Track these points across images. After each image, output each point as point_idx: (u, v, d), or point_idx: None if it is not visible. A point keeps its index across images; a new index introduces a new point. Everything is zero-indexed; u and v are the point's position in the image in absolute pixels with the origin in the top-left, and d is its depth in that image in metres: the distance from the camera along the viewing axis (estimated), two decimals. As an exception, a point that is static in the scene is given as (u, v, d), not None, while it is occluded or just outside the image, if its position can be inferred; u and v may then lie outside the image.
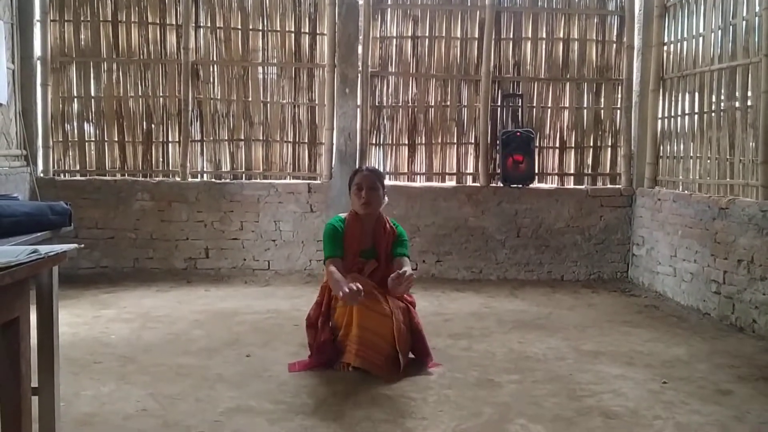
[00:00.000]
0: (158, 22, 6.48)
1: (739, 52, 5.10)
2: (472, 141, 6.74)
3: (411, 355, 3.93)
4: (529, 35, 6.69)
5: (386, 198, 4.14)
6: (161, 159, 6.59)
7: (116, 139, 6.53)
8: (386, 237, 4.04)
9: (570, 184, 6.81)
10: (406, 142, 6.73)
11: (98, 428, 2.96)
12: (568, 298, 5.81)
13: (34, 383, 2.42)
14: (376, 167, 4.37)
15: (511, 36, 6.70)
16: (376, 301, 3.77)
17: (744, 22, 5.03)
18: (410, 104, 6.71)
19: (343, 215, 4.11)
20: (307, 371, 3.75)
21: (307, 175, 6.65)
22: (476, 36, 6.66)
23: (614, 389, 3.56)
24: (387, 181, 6.52)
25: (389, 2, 6.63)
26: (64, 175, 6.48)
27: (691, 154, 5.81)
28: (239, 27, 6.55)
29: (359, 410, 3.21)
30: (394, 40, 6.67)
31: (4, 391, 2.14)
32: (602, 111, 6.79)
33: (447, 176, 6.76)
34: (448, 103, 6.72)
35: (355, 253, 3.99)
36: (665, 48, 6.29)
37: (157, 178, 6.49)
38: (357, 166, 5.58)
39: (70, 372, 3.59)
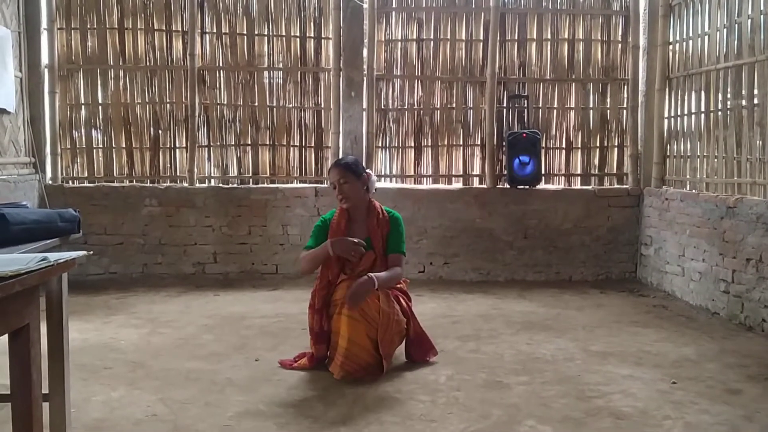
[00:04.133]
0: (164, 28, 6.51)
1: (745, 50, 5.08)
2: (478, 143, 6.74)
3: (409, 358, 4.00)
4: (534, 36, 6.69)
5: (373, 180, 4.05)
6: (169, 165, 6.62)
7: (124, 146, 6.57)
8: (380, 227, 3.96)
9: (577, 184, 6.80)
10: (412, 144, 6.74)
11: (109, 433, 2.98)
12: (577, 299, 5.80)
13: (45, 389, 2.44)
14: (348, 158, 4.17)
15: (516, 37, 6.70)
16: (366, 307, 3.71)
17: (749, 21, 5.02)
18: (416, 107, 6.72)
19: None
20: (313, 371, 3.76)
21: (314, 178, 6.67)
22: (481, 38, 6.66)
23: (623, 390, 3.55)
24: (393, 184, 6.63)
25: (394, 5, 6.65)
26: (73, 182, 6.52)
27: (698, 153, 5.79)
28: (245, 32, 6.58)
29: (368, 413, 3.22)
30: (399, 43, 6.68)
31: (16, 397, 2.15)
32: (608, 111, 6.78)
33: (453, 178, 6.77)
34: (454, 105, 6.72)
35: None
36: (671, 47, 6.28)
37: (165, 184, 6.52)
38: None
39: (81, 378, 3.61)
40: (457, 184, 6.74)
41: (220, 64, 6.60)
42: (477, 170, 6.76)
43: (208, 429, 3.02)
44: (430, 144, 6.74)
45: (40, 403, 2.21)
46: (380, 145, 6.70)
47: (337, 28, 6.52)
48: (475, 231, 6.53)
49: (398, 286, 4.03)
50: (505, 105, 6.73)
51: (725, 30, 5.37)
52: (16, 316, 2.04)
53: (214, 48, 6.60)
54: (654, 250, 6.26)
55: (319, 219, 4.09)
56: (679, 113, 6.15)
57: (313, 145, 6.69)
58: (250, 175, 6.66)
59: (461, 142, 6.75)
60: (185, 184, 6.52)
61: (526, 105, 6.70)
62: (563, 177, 6.81)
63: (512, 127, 6.70)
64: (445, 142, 6.74)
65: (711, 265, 5.29)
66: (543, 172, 6.59)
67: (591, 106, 6.78)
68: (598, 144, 6.80)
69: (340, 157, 5.16)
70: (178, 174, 6.61)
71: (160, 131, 6.59)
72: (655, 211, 6.28)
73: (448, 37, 6.66)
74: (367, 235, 3.95)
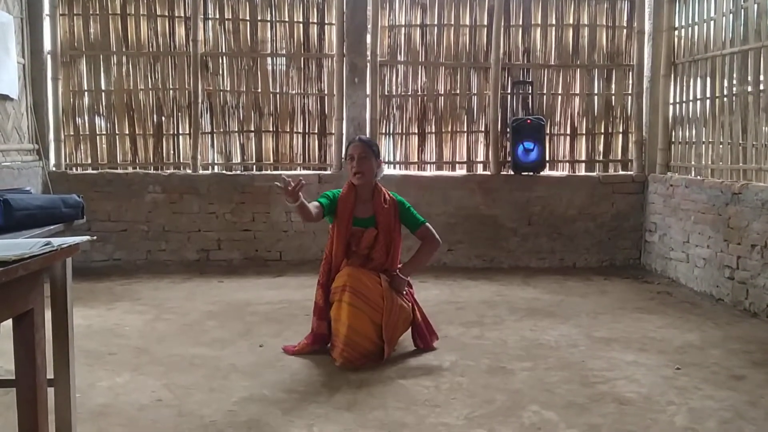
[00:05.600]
0: (167, 14, 6.48)
1: (751, 35, 5.05)
2: (483, 129, 6.72)
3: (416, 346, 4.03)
4: (539, 21, 6.65)
5: (383, 168, 4.16)
6: (172, 151, 6.61)
7: (127, 132, 6.56)
8: (387, 209, 4.04)
9: (581, 171, 6.78)
10: (416, 131, 6.72)
11: (113, 419, 2.99)
12: (581, 286, 5.79)
13: (50, 375, 2.44)
14: (369, 137, 4.33)
15: (521, 23, 6.66)
16: (368, 293, 3.78)
17: (756, 5, 4.98)
18: (420, 93, 6.69)
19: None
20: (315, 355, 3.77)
21: (318, 165, 6.66)
22: (485, 23, 6.62)
23: (627, 375, 3.56)
24: (397, 171, 6.62)
25: (397, -9, 6.61)
26: (76, 169, 6.51)
27: (704, 140, 5.77)
28: (248, 18, 6.54)
29: (372, 398, 3.23)
30: (403, 28, 6.64)
31: (21, 382, 2.16)
32: (613, 97, 6.75)
33: (457, 165, 6.75)
34: (458, 91, 6.69)
35: (348, 220, 3.97)
36: (676, 33, 6.24)
37: (169, 171, 6.51)
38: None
39: (85, 363, 3.62)
40: (461, 171, 6.72)
41: (223, 50, 6.57)
42: (481, 157, 6.75)
43: (212, 414, 3.03)
44: (434, 130, 6.71)
45: (45, 388, 2.22)
46: (384, 131, 6.68)
47: (340, 14, 6.48)
48: (479, 218, 6.52)
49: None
50: (509, 91, 6.71)
51: (731, 15, 5.34)
52: (20, 301, 2.04)
53: (216, 34, 6.57)
54: (658, 237, 6.25)
55: (327, 191, 4.12)
56: (684, 99, 6.11)
57: (316, 131, 6.67)
58: (254, 161, 6.64)
59: (465, 129, 6.73)
60: (188, 171, 6.51)
61: (530, 91, 6.67)
62: (568, 163, 6.79)
63: (516, 114, 6.68)
64: (449, 129, 6.72)
65: (716, 252, 5.27)
66: (547, 158, 6.56)
67: (596, 92, 6.75)
68: (602, 130, 6.77)
69: (358, 135, 5.24)
70: (181, 161, 6.59)
71: (163, 118, 6.57)
72: (659, 197, 6.26)
73: (452, 22, 6.62)
74: (371, 213, 4.02)
